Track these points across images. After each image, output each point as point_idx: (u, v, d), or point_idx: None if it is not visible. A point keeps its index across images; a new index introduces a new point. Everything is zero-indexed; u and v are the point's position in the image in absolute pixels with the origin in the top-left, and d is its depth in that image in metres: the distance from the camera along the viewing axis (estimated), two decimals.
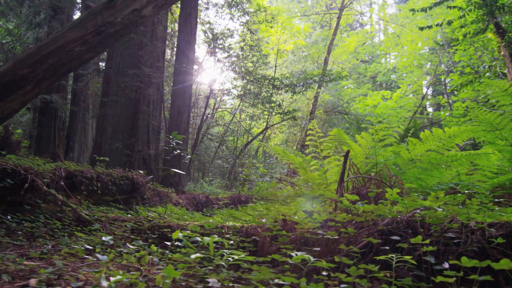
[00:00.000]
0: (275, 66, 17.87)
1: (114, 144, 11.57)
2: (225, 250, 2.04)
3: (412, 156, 3.82)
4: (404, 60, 21.39)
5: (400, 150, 3.85)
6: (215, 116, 17.32)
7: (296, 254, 1.79)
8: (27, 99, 5.08)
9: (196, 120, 18.44)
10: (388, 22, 23.50)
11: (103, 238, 2.82)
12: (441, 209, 2.21)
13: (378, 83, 25.44)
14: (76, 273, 2.27)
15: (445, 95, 21.89)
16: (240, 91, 14.04)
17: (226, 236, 2.83)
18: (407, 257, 1.74)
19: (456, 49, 16.27)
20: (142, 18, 6.26)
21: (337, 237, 2.15)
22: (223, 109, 18.17)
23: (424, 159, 3.92)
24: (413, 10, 11.92)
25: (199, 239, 2.26)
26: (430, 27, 11.51)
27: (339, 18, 18.74)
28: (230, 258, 1.85)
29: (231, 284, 1.81)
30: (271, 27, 15.49)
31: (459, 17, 11.03)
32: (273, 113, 15.69)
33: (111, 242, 2.86)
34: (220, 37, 13.31)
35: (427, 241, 1.90)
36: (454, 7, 10.95)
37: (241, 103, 15.44)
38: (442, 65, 20.13)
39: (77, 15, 17.78)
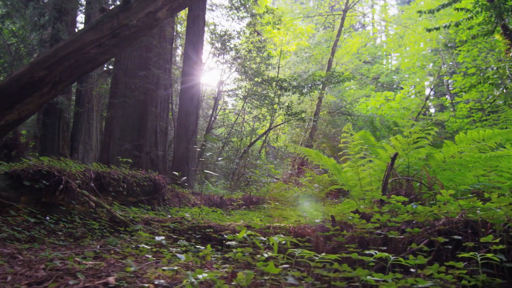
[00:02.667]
0: (278, 67, 17.93)
1: (123, 145, 11.61)
2: (295, 250, 2.10)
3: (445, 158, 3.90)
4: (405, 61, 21.52)
5: (434, 152, 3.93)
6: (218, 117, 17.37)
7: (376, 253, 1.86)
8: (43, 101, 5.11)
9: (199, 121, 18.43)
10: (391, 23, 23.63)
11: (157, 238, 2.88)
12: (499, 209, 2.28)
13: (380, 84, 25.56)
14: (144, 271, 2.33)
15: (447, 96, 22.03)
16: (244, 92, 14.10)
17: (275, 236, 2.89)
18: (489, 255, 1.81)
19: (460, 50, 16.40)
20: (156, 21, 6.31)
21: (402, 236, 2.22)
22: (229, 110, 18.22)
23: (451, 161, 3.99)
24: (420, 11, 11.99)
25: (263, 238, 2.32)
26: (437, 28, 11.60)
27: (343, 19, 18.84)
28: (315, 258, 1.92)
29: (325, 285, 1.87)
30: (278, 28, 15.56)
31: (467, 19, 11.13)
32: (276, 114, 15.77)
33: (164, 242, 2.92)
34: (227, 39, 13.37)
35: (497, 240, 1.97)
36: (462, 9, 11.05)
37: (245, 104, 15.49)
38: (444, 66, 20.26)
39: (79, 16, 17.79)
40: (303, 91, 12.96)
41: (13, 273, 2.22)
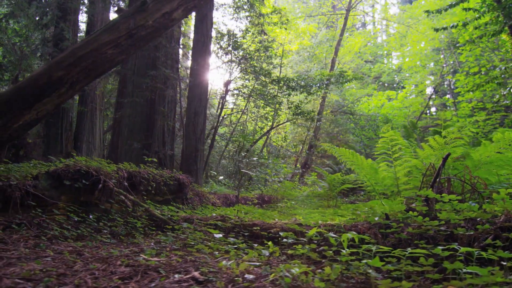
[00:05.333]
0: (281, 66, 18.02)
1: (132, 144, 11.63)
2: (371, 246, 2.19)
3: (482, 158, 4.01)
4: (407, 61, 21.70)
5: (471, 151, 4.03)
6: (226, 117, 17.45)
7: (459, 248, 1.94)
8: (61, 101, 5.15)
9: None
10: (392, 22, 23.80)
11: (215, 235, 2.95)
12: None
13: (381, 83, 25.74)
14: (219, 266, 2.40)
15: (449, 95, 22.25)
16: (248, 91, 14.17)
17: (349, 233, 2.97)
18: None
19: (463, 50, 16.58)
20: (172, 21, 6.36)
21: (472, 233, 2.31)
22: (235, 109, 18.27)
23: (485, 160, 4.10)
24: (428, 11, 12.12)
25: (334, 235, 2.40)
26: (445, 28, 11.74)
27: (346, 18, 18.96)
28: (404, 252, 2.00)
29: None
30: (286, 28, 15.65)
31: (474, 19, 11.27)
32: (279, 113, 15.86)
33: (221, 239, 2.99)
34: (233, 38, 13.44)
35: None
36: (470, 9, 11.19)
37: (248, 103, 15.56)
38: (445, 66, 20.46)
39: (82, 16, 17.78)
40: (311, 90, 13.07)
41: (96, 269, 2.29)
